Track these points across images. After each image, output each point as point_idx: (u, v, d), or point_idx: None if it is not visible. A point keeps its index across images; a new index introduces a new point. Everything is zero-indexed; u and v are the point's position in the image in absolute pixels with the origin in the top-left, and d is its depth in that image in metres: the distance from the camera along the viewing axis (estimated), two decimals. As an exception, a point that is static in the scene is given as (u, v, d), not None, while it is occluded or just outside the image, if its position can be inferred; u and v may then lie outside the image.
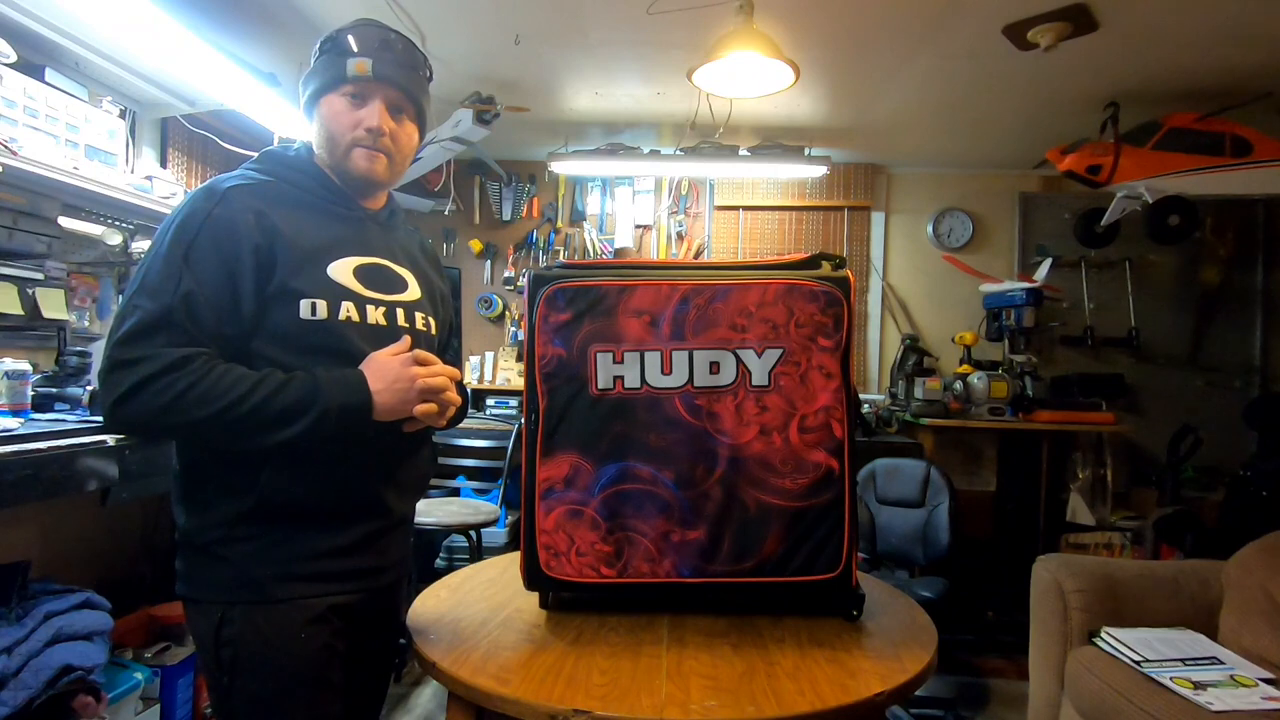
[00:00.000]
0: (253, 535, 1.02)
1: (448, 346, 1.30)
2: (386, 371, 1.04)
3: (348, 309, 1.06)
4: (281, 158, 1.13)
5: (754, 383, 1.17)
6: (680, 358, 1.18)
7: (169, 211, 2.10)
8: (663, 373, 1.18)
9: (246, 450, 0.99)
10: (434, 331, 1.22)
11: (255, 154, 1.15)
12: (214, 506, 1.03)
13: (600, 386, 1.19)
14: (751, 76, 2.22)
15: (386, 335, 1.10)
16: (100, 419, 1.48)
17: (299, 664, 1.03)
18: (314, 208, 1.10)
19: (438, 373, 1.08)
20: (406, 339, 1.10)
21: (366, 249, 1.13)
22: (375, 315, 1.10)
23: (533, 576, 1.20)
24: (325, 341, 1.05)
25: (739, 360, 1.17)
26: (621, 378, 1.18)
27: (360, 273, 1.10)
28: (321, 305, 1.04)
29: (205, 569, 1.03)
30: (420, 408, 1.07)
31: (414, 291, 1.18)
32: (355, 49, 1.09)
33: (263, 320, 1.02)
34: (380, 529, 1.14)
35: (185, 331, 0.95)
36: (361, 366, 1.04)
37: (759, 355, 1.17)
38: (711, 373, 1.18)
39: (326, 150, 1.12)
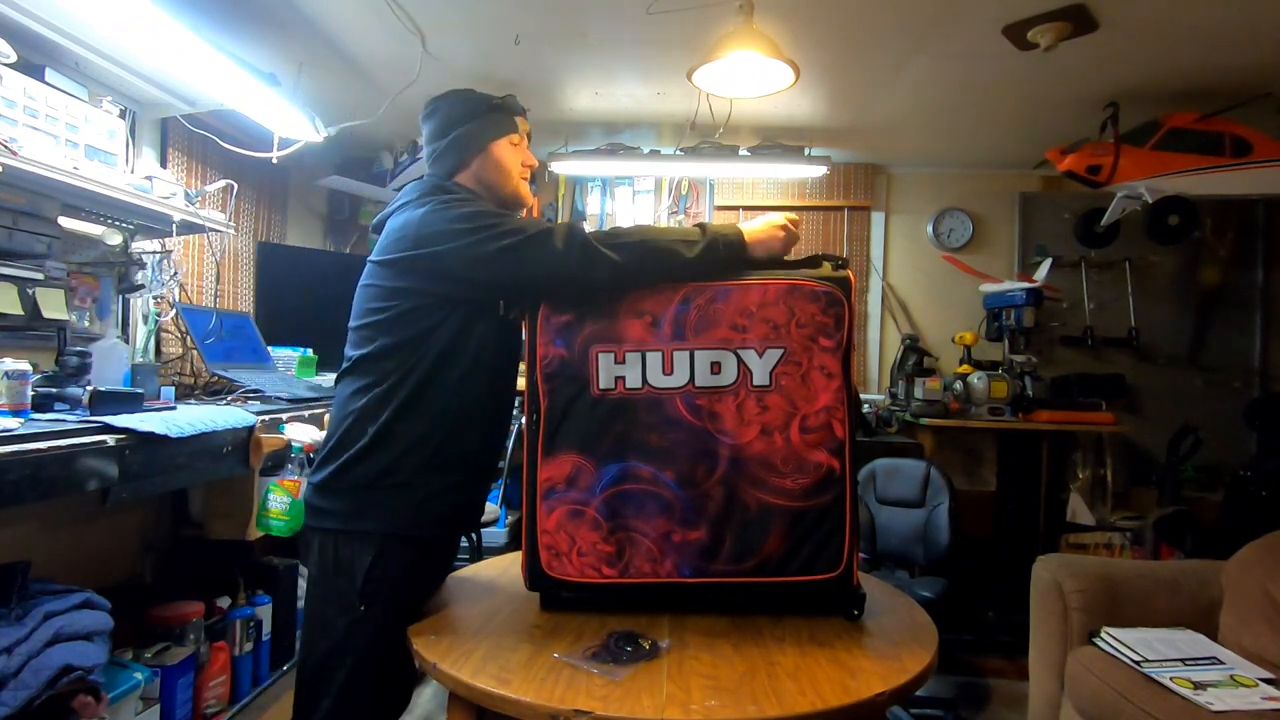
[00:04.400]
0: (420, 483, 1.27)
1: None
2: (758, 224, 1.32)
3: None
4: (452, 189, 1.40)
5: (755, 382, 1.17)
6: (681, 358, 1.18)
7: (168, 212, 2.09)
8: (664, 373, 1.18)
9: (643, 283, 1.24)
10: None
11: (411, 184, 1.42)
12: (396, 456, 1.27)
13: (602, 387, 1.19)
14: (751, 76, 2.22)
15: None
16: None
17: (420, 595, 1.32)
18: None
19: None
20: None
21: None
22: None
23: (534, 576, 1.21)
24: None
25: (740, 360, 1.17)
26: (623, 378, 1.18)
27: None
28: None
29: (373, 507, 1.27)
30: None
31: None
32: (518, 110, 1.48)
33: None
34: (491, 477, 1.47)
35: None
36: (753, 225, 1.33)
37: (760, 355, 1.17)
38: (713, 373, 1.18)
39: (498, 181, 1.44)
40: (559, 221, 1.25)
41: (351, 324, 1.35)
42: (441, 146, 1.44)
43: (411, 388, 1.28)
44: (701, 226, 1.26)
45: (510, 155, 1.45)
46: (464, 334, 1.29)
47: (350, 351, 1.34)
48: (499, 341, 1.33)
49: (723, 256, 1.23)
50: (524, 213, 1.52)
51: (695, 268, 1.21)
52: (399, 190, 1.43)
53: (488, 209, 1.30)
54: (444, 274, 1.26)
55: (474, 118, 1.43)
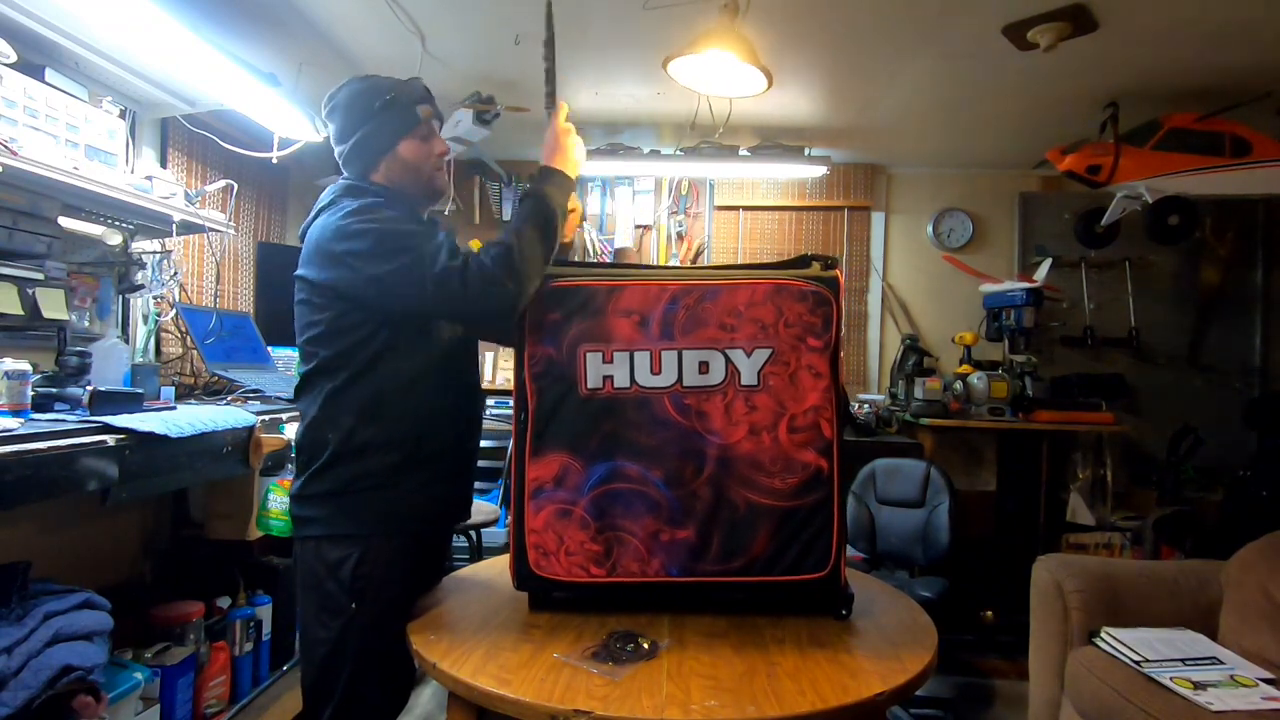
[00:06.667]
0: (395, 483, 1.28)
1: None
2: (565, 147, 1.33)
3: None
4: (367, 190, 1.36)
5: (743, 382, 1.17)
6: (669, 357, 1.18)
7: (168, 212, 2.09)
8: (652, 372, 1.18)
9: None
10: None
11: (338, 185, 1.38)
12: (367, 460, 1.27)
13: (590, 386, 1.19)
14: (725, 76, 2.20)
15: None
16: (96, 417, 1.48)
17: (411, 591, 1.32)
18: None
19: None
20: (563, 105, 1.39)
21: None
22: None
23: (522, 576, 1.21)
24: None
25: (728, 360, 1.17)
26: (611, 377, 1.18)
27: None
28: None
29: (352, 510, 1.28)
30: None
31: None
32: (417, 98, 1.39)
33: None
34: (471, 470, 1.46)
35: None
36: (552, 155, 1.33)
37: (748, 355, 1.17)
38: (701, 372, 1.18)
39: (411, 178, 1.39)
40: (449, 250, 1.19)
41: (297, 341, 1.36)
42: (347, 151, 1.39)
43: (366, 396, 1.27)
44: (534, 199, 1.26)
45: (416, 151, 1.38)
46: (407, 340, 1.28)
47: (300, 368, 1.36)
48: (450, 341, 1.34)
49: (566, 206, 1.28)
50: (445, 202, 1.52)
51: (560, 236, 1.26)
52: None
53: (379, 228, 1.23)
54: (342, 294, 1.26)
55: (371, 117, 1.36)
